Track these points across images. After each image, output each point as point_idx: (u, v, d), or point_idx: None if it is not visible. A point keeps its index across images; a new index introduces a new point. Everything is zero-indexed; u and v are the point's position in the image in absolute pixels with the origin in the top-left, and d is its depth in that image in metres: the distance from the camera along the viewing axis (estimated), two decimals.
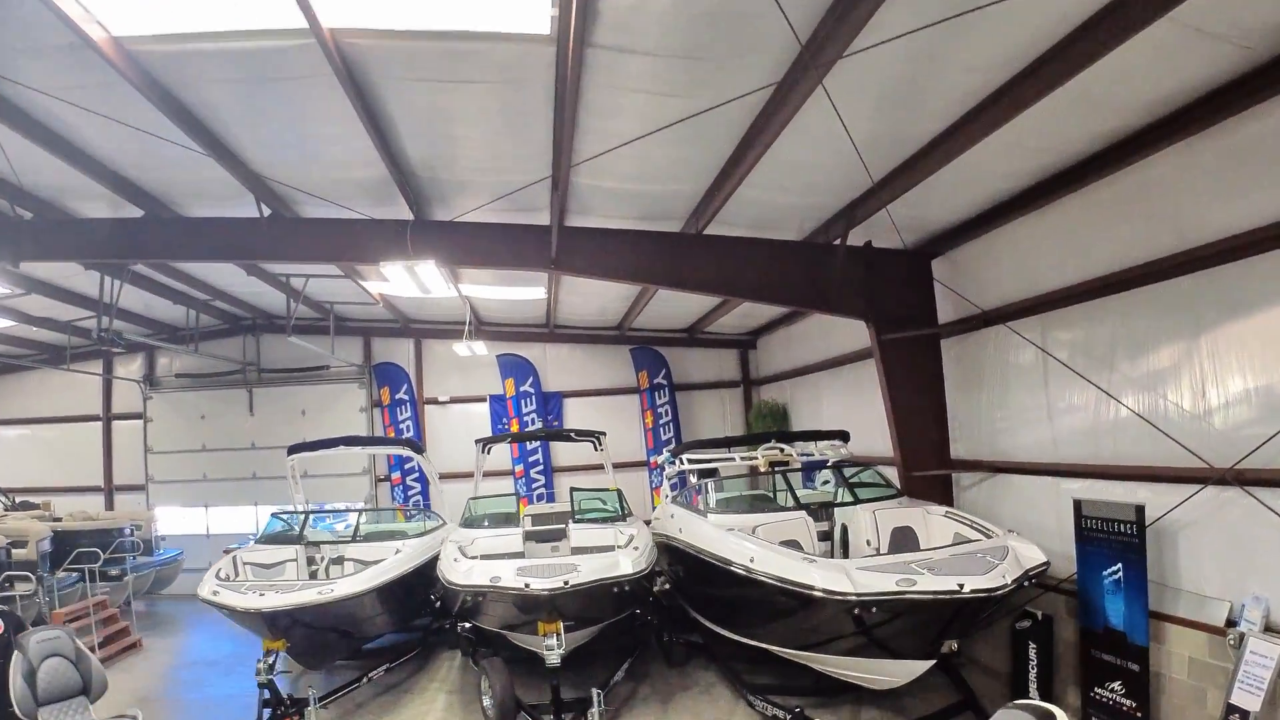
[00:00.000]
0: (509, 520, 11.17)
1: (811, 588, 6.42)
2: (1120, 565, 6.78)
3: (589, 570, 7.56)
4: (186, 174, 8.76)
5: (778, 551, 7.32)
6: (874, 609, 6.03)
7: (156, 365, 19.14)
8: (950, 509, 8.33)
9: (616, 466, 16.93)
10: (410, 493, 17.47)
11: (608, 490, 11.49)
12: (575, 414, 17.75)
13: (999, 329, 8.85)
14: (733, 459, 10.72)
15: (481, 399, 17.73)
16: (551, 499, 17.06)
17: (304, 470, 17.64)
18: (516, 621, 7.99)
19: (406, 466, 17.41)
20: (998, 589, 5.83)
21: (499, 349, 17.54)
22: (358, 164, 8.50)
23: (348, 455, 17.80)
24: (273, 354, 18.35)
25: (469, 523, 11.18)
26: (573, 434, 12.77)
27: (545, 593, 7.13)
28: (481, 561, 8.32)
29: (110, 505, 19.42)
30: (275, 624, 8.08)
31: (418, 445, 12.92)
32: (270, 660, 8.23)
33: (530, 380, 17.47)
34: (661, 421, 17.44)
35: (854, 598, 6.06)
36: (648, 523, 11.62)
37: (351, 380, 18.02)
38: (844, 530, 8.83)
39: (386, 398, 17.73)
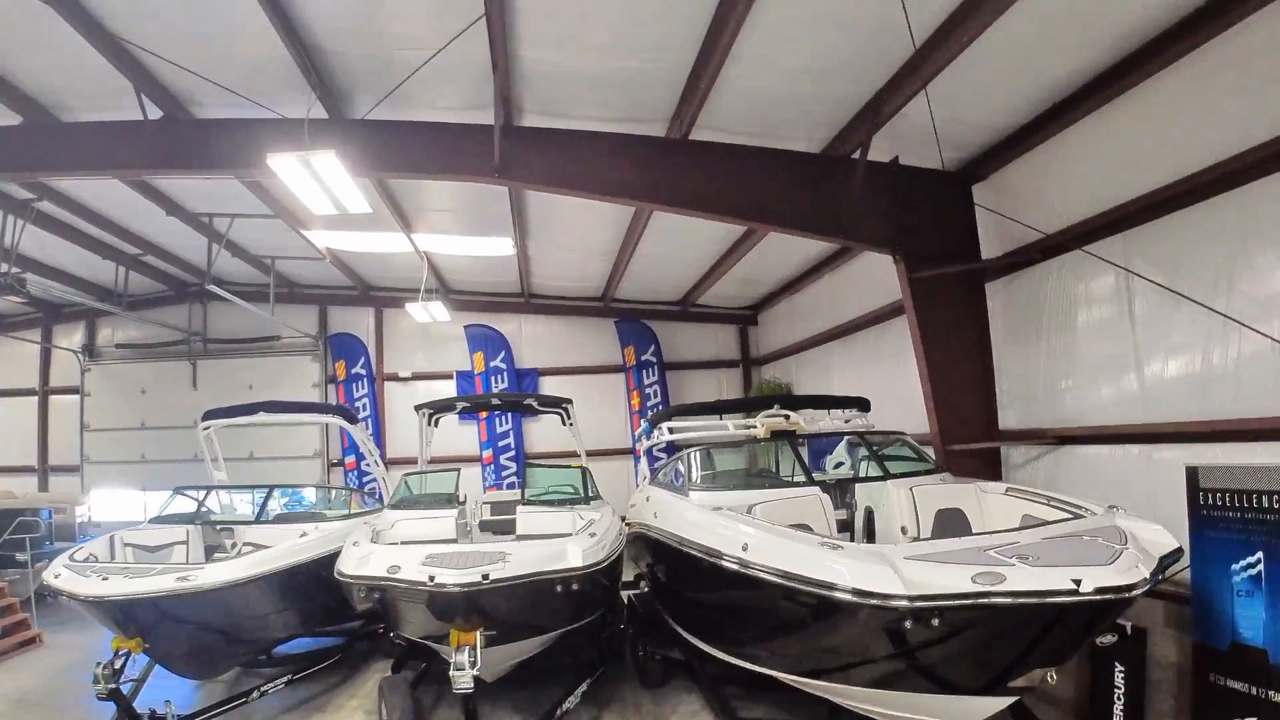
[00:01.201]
0: (448, 502, 9.22)
1: (836, 587, 4.24)
2: (1260, 556, 4.83)
3: (521, 561, 5.49)
4: (69, 69, 7.34)
5: (784, 536, 5.09)
6: (936, 619, 3.88)
7: (98, 335, 17.32)
8: (1012, 485, 6.26)
9: (596, 454, 15.05)
10: (366, 479, 15.54)
11: (570, 468, 9.53)
12: (553, 393, 15.83)
13: (1064, 260, 6.94)
14: (726, 428, 8.66)
15: (448, 376, 15.82)
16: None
17: (249, 452, 15.89)
18: (430, 629, 6.00)
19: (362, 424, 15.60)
20: (1132, 587, 3.71)
21: (468, 319, 15.64)
22: (250, 42, 6.66)
23: (298, 435, 16.03)
24: (221, 323, 16.53)
25: (399, 503, 9.22)
26: (534, 402, 10.78)
27: (457, 589, 5.14)
28: (384, 549, 6.30)
29: (44, 487, 17.63)
30: (124, 617, 6.17)
31: (350, 413, 10.95)
32: (117, 664, 6.32)
33: (502, 355, 15.55)
34: (650, 403, 15.50)
35: (906, 604, 3.90)
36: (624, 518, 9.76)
37: (304, 352, 16.13)
38: (869, 514, 6.78)
39: (342, 372, 15.84)
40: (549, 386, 15.84)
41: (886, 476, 6.73)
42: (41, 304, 16.42)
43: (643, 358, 15.57)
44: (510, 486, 14.81)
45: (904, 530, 6.27)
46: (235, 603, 6.76)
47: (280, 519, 9.33)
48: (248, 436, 15.40)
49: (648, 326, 15.70)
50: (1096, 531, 4.41)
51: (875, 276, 10.48)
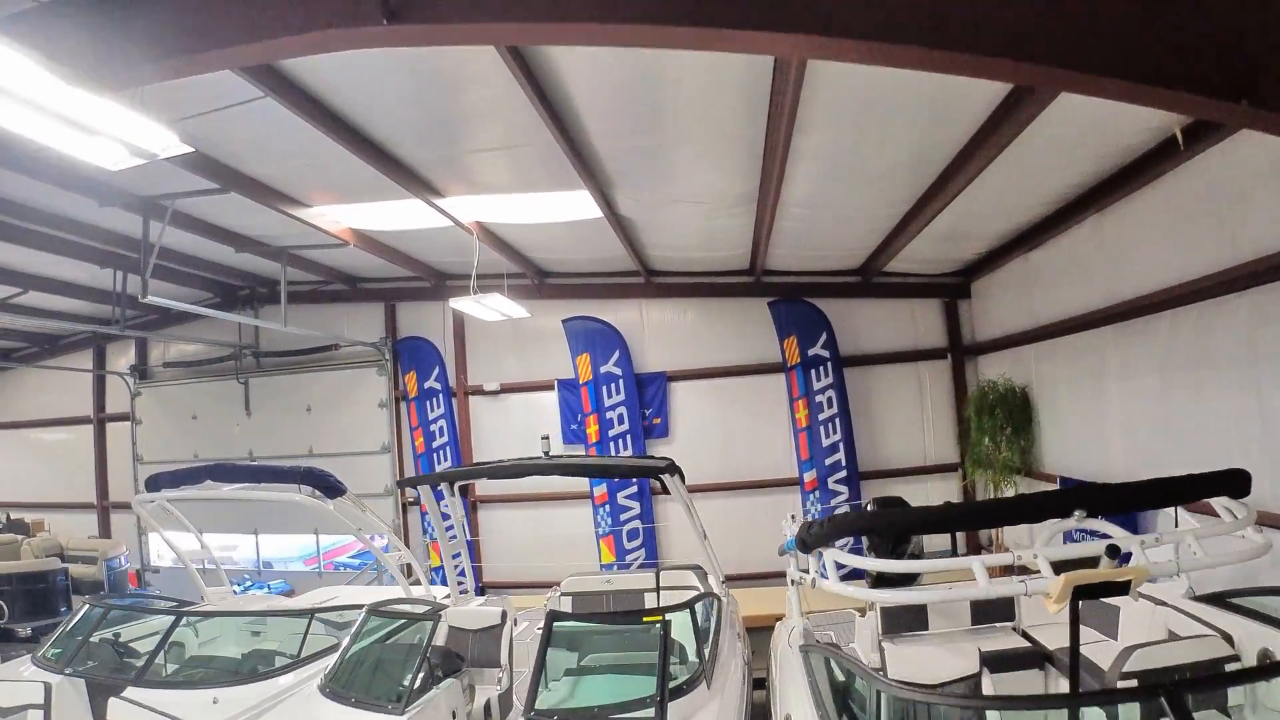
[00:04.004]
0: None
1: None
2: None
3: None
4: None
5: None
6: None
7: (149, 354, 14.68)
8: None
9: (750, 487, 10.87)
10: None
11: (649, 621, 5.02)
12: (687, 405, 11.67)
13: None
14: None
15: (547, 386, 11.95)
16: (652, 549, 11.12)
17: (308, 448, 12.66)
18: None
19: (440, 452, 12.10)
20: None
21: (568, 309, 11.69)
22: None
23: (365, 466, 12.71)
24: (274, 333, 13.41)
25: (336, 681, 5.04)
26: (602, 467, 6.68)
27: None
28: None
29: (105, 527, 15.29)
30: None
31: (327, 481, 7.14)
32: None
33: (616, 355, 11.48)
34: (821, 417, 11.02)
35: None
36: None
37: (368, 363, 12.69)
38: None
39: (413, 387, 12.28)
40: (681, 396, 11.66)
41: None
42: (91, 320, 13.99)
43: (810, 352, 11.10)
44: (635, 545, 10.83)
45: None
46: None
47: (192, 665, 5.74)
48: (303, 427, 12.82)
49: (815, 308, 11.19)
50: None
51: (1212, 208, 5.82)
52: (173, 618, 5.91)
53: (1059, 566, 3.36)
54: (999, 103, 5.56)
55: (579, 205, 7.74)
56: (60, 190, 7.33)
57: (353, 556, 12.45)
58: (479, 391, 12.17)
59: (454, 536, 7.49)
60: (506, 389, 12.10)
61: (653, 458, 6.47)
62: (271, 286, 13.13)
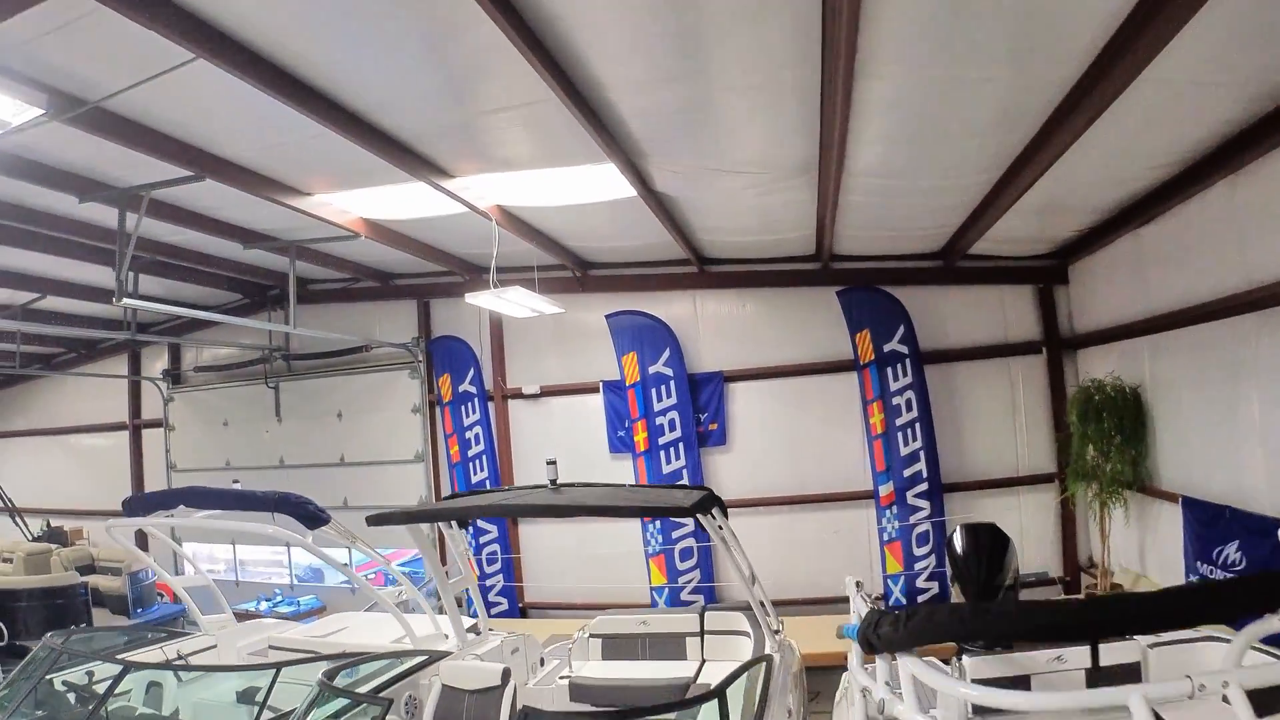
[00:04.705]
0: None
1: None
2: None
3: None
4: None
5: None
6: None
7: (182, 358, 14.14)
8: None
9: (818, 501, 9.75)
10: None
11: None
12: (747, 409, 10.47)
13: None
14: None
15: (592, 389, 10.89)
16: (708, 570, 10.03)
17: (339, 456, 11.84)
18: None
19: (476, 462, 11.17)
20: None
21: (612, 303, 10.61)
22: None
23: (398, 476, 11.82)
24: (306, 337, 12.62)
25: None
26: (611, 509, 5.49)
27: None
28: None
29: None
30: None
31: (305, 509, 6.09)
32: None
33: (667, 354, 10.35)
34: (898, 422, 9.74)
35: None
36: None
37: (401, 366, 11.81)
38: None
39: (447, 391, 11.34)
40: (741, 398, 10.46)
41: None
42: (120, 325, 13.49)
43: (886, 347, 9.81)
44: (686, 579, 9.73)
45: None
46: None
47: None
48: (335, 434, 12.09)
49: (891, 297, 9.90)
50: None
51: None
52: (120, 668, 4.97)
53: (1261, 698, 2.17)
54: (1120, 24, 4.25)
55: (607, 182, 6.60)
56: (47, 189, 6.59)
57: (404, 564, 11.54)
58: (518, 395, 11.16)
59: (454, 575, 6.46)
60: (547, 392, 11.06)
61: (683, 487, 5.23)
62: (301, 285, 12.39)
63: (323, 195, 7.17)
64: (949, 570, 4.05)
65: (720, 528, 5.25)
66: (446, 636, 5.98)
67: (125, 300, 6.73)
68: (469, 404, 11.12)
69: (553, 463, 5.45)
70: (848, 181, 6.78)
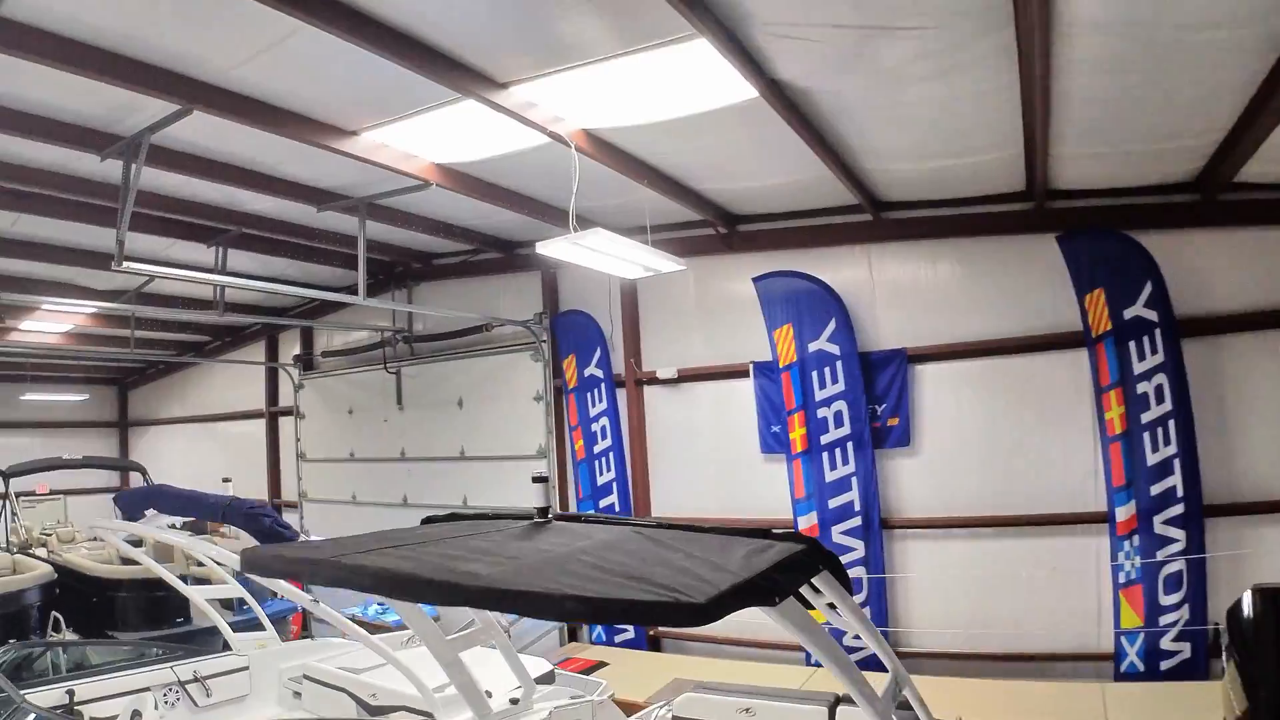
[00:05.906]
0: None
1: None
2: None
3: None
4: None
5: None
6: None
7: (314, 343, 13.66)
8: None
9: (1029, 524, 7.57)
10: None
11: None
12: (938, 398, 8.20)
13: None
14: None
15: (742, 372, 9.03)
16: (880, 612, 8.00)
17: (459, 449, 10.62)
18: None
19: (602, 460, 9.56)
20: None
21: (760, 264, 8.70)
22: None
23: (523, 475, 10.51)
24: (429, 316, 11.59)
25: None
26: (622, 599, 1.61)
27: None
28: None
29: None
30: None
31: (258, 523, 4.71)
32: None
33: (831, 327, 8.30)
34: (1145, 418, 7.18)
35: None
36: None
37: (523, 346, 10.44)
38: None
39: (572, 375, 9.84)
40: (930, 384, 8.20)
41: None
42: (264, 310, 13.12)
43: (1127, 313, 7.31)
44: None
45: None
46: None
47: None
48: (455, 424, 11.02)
49: (1134, 242, 7.35)
50: None
51: None
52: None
53: None
54: None
55: (708, 75, 4.71)
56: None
57: None
58: (652, 380, 9.49)
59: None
60: (685, 376, 9.30)
61: (767, 534, 2.43)
62: (426, 260, 11.38)
63: (368, 134, 5.81)
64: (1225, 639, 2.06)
65: (832, 605, 2.72)
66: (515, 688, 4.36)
67: (127, 264, 5.57)
68: (595, 390, 9.57)
69: (545, 479, 3.27)
70: (1061, 51, 4.57)
